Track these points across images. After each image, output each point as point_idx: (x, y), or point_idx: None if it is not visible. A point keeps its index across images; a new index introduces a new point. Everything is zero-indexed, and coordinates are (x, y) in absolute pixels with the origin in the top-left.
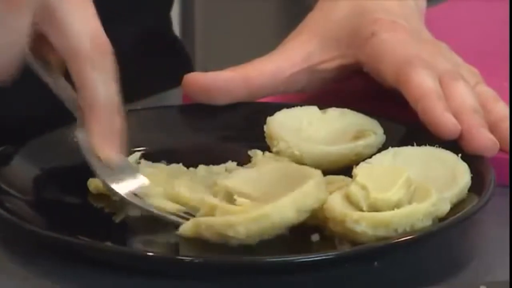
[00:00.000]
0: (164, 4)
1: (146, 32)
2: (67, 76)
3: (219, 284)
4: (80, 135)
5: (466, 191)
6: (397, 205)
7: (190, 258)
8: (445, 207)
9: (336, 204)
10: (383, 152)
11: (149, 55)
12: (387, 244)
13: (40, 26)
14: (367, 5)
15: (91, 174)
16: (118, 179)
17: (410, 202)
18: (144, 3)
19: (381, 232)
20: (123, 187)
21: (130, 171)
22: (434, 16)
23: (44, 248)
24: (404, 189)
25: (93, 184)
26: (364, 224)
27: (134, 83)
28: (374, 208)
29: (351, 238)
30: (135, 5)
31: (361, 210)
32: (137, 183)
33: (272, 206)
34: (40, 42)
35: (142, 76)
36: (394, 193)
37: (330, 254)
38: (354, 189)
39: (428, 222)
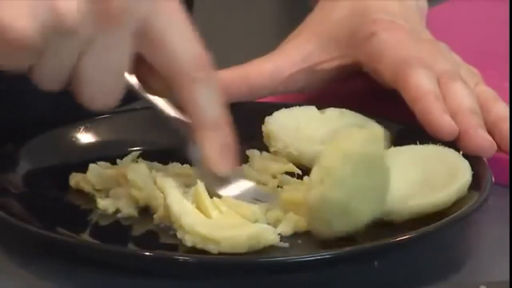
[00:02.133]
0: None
1: None
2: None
3: (219, 284)
4: (192, 153)
5: (466, 188)
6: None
7: (189, 258)
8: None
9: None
10: (384, 152)
11: None
12: (387, 244)
13: (138, 46)
14: (367, 5)
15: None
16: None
17: None
18: None
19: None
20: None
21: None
22: (434, 16)
23: (44, 248)
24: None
25: (74, 179)
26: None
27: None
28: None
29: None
30: None
31: None
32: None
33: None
34: (136, 64)
35: None
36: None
37: (329, 254)
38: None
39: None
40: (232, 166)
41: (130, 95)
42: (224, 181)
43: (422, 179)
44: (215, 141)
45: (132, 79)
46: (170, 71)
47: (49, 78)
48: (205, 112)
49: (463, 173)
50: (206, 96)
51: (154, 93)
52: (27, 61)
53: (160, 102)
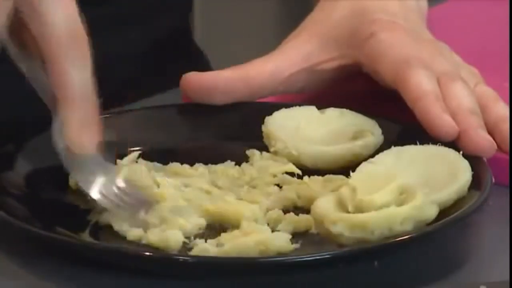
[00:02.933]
0: (182, 4)
1: (162, 33)
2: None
3: (219, 284)
4: (54, 126)
5: (466, 188)
6: (382, 209)
7: (189, 258)
8: (430, 212)
9: (321, 205)
10: (385, 152)
11: (162, 57)
12: (385, 244)
13: (20, 11)
14: (367, 5)
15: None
16: (90, 176)
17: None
18: (163, 2)
19: (358, 234)
20: (93, 186)
21: (102, 166)
22: (434, 16)
23: (44, 248)
24: (393, 194)
25: (73, 180)
26: (340, 225)
27: (137, 83)
28: (360, 210)
29: (332, 240)
30: (153, 5)
31: (348, 212)
32: (107, 180)
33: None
34: (20, 28)
35: (151, 77)
36: (380, 196)
37: (329, 254)
38: (344, 190)
39: (408, 227)
40: (92, 142)
41: (131, 95)
42: (87, 166)
43: (422, 179)
44: (77, 114)
45: (6, 40)
46: (41, 37)
47: None
48: (69, 85)
49: (463, 173)
50: (73, 68)
51: (32, 59)
52: None
53: (35, 70)
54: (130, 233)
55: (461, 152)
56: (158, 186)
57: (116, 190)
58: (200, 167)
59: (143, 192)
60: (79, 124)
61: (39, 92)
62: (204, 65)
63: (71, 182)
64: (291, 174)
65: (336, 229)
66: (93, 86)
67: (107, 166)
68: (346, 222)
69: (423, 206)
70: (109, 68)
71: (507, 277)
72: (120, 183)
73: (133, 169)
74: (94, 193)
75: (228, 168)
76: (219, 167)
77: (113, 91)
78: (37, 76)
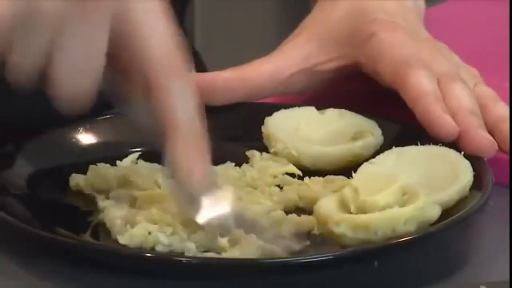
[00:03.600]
0: (179, 4)
1: None
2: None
3: (219, 284)
4: (165, 160)
5: (468, 188)
6: (385, 209)
7: (189, 259)
8: (433, 213)
9: (324, 205)
10: (386, 152)
11: None
12: (387, 244)
13: (113, 40)
14: (366, 6)
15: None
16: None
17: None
18: None
19: (361, 235)
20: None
21: (211, 197)
22: (434, 16)
23: (44, 248)
24: (395, 195)
25: (74, 181)
26: (343, 226)
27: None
28: (362, 211)
29: (335, 241)
30: None
31: (351, 212)
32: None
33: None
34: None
35: None
36: (383, 197)
37: (329, 255)
38: (346, 191)
39: (411, 227)
40: (204, 173)
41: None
42: (198, 198)
43: (423, 179)
44: (188, 146)
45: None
46: (142, 69)
47: (21, 69)
48: (177, 115)
49: (465, 173)
50: (178, 99)
51: (127, 94)
52: None
53: (133, 107)
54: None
55: (462, 153)
56: (160, 187)
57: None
58: None
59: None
60: (190, 157)
61: (143, 129)
62: (200, 69)
63: (72, 183)
64: (292, 175)
65: (339, 229)
66: (199, 113)
67: (216, 198)
68: (350, 223)
69: (426, 207)
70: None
71: (507, 277)
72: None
73: (134, 170)
74: (201, 218)
75: (228, 169)
76: (219, 168)
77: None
78: (138, 113)
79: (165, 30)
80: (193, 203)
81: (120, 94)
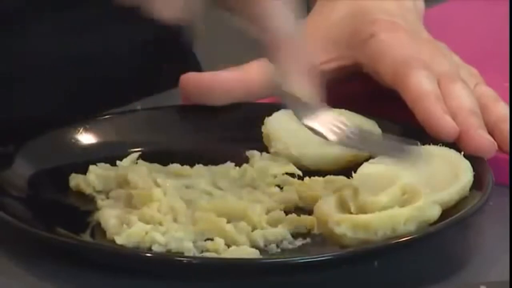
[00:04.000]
0: None
1: (161, 34)
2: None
3: (219, 284)
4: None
5: (468, 188)
6: (385, 209)
7: (189, 258)
8: (433, 213)
9: (324, 205)
10: None
11: (153, 57)
12: (387, 244)
13: None
14: (366, 6)
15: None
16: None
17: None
18: None
19: (361, 235)
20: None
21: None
22: (434, 16)
23: (44, 248)
24: (395, 195)
25: (74, 181)
26: (344, 226)
27: (135, 84)
28: (362, 211)
29: (335, 241)
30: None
31: (351, 212)
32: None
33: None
34: None
35: (145, 77)
36: (383, 197)
37: (329, 255)
38: (346, 191)
39: (411, 227)
40: (314, 87)
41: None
42: (310, 107)
43: (423, 179)
44: (294, 59)
45: None
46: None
47: None
48: (281, 28)
49: (465, 173)
50: (281, 12)
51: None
52: None
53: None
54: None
55: (462, 153)
56: (159, 187)
57: (345, 128)
58: (200, 168)
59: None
60: (298, 69)
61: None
62: (196, 67)
63: (72, 183)
64: (292, 175)
65: (339, 229)
66: (302, 35)
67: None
68: (350, 223)
69: (425, 207)
70: (108, 68)
71: (507, 277)
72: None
73: (133, 170)
74: (328, 134)
75: (228, 169)
76: (219, 168)
77: (112, 91)
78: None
79: None
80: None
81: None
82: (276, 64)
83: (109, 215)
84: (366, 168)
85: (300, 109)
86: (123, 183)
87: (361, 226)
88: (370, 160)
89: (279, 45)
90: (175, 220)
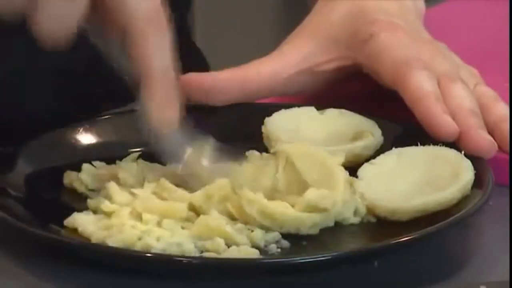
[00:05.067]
0: (181, 4)
1: None
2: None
3: (219, 284)
4: (139, 104)
5: (470, 186)
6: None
7: (189, 259)
8: (347, 215)
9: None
10: (387, 153)
11: None
12: (387, 244)
13: None
14: (366, 6)
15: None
16: (176, 150)
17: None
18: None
19: (267, 223)
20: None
21: (187, 140)
22: (434, 16)
23: (44, 248)
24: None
25: (67, 178)
26: (255, 207)
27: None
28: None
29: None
30: None
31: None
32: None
33: None
34: (93, 7)
35: None
36: (309, 195)
37: (329, 255)
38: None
39: (315, 231)
40: (173, 117)
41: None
42: (172, 142)
43: (425, 179)
44: (159, 92)
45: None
46: (123, 20)
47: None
48: (151, 62)
49: (466, 172)
50: (154, 47)
51: (105, 40)
52: None
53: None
54: (94, 235)
55: (462, 152)
56: (143, 187)
57: (204, 162)
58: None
59: (228, 165)
60: (162, 102)
61: (116, 69)
62: (202, 65)
63: (66, 181)
64: None
65: (249, 209)
66: (172, 62)
67: (191, 140)
68: (259, 207)
69: (333, 214)
70: (108, 68)
71: (507, 277)
72: (207, 155)
73: (124, 169)
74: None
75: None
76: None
77: (113, 91)
78: (115, 54)
79: None
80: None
81: (102, 38)
82: (144, 97)
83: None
84: (367, 169)
85: (158, 138)
86: (115, 181)
87: (268, 215)
88: (371, 161)
89: (149, 81)
90: (159, 224)
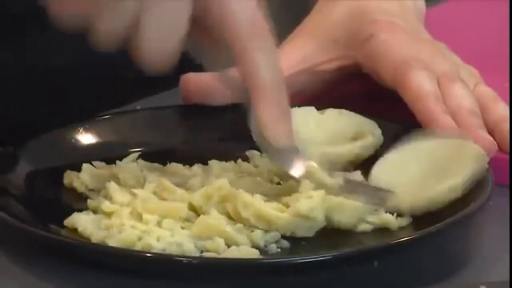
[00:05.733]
0: None
1: None
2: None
3: (219, 284)
4: (251, 121)
5: (476, 177)
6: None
7: (189, 258)
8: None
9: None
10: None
11: None
12: (387, 244)
13: (196, 8)
14: (366, 6)
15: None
16: (288, 161)
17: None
18: None
19: (262, 226)
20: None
21: (296, 152)
22: (434, 16)
23: (44, 249)
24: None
25: (67, 178)
26: (250, 211)
27: (135, 84)
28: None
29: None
30: None
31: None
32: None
33: None
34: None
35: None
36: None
37: (329, 255)
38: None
39: (310, 234)
40: (288, 133)
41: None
42: (286, 153)
43: (432, 170)
44: (272, 105)
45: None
46: (227, 35)
47: (107, 35)
48: (260, 76)
49: (471, 162)
50: (261, 60)
51: (208, 56)
52: (93, 10)
53: (216, 66)
54: (94, 235)
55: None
56: (143, 187)
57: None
58: (197, 168)
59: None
60: (274, 116)
61: (228, 89)
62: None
63: (65, 180)
64: None
65: (245, 213)
66: (282, 75)
67: (301, 156)
68: (254, 210)
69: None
70: (108, 68)
71: (507, 277)
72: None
73: (124, 169)
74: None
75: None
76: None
77: (113, 91)
78: (221, 70)
79: (245, 1)
80: (280, 157)
81: (205, 55)
82: (256, 112)
83: (84, 221)
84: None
85: (278, 156)
86: (115, 182)
87: (263, 218)
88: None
89: (260, 94)
90: (159, 224)
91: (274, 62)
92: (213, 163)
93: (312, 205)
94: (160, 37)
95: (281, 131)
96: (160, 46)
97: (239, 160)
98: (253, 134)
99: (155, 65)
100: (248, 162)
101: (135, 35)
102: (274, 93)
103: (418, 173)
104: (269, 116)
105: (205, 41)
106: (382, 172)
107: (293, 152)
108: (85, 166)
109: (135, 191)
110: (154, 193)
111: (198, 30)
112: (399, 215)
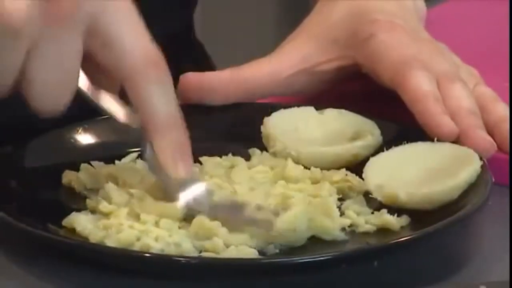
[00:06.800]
0: (186, 4)
1: (167, 35)
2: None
3: (219, 284)
4: (146, 153)
5: (475, 178)
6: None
7: (189, 259)
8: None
9: None
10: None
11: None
12: (387, 244)
13: (87, 44)
14: (365, 6)
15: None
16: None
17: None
18: (168, 3)
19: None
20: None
21: (195, 182)
22: (434, 16)
23: (44, 248)
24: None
25: (66, 178)
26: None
27: None
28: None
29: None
30: (159, 6)
31: None
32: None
33: None
34: (85, 62)
35: None
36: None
37: (329, 255)
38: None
39: (301, 243)
40: (187, 168)
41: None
42: (181, 183)
43: (432, 169)
44: (168, 141)
45: (83, 82)
46: (120, 69)
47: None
48: (156, 111)
49: (471, 162)
50: (157, 93)
51: (105, 91)
52: None
53: (111, 105)
54: (93, 235)
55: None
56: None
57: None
58: (196, 168)
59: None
60: (171, 151)
61: (122, 122)
62: (205, 64)
63: (64, 180)
64: None
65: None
66: (178, 108)
67: (201, 191)
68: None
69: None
70: None
71: (507, 277)
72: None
73: (123, 169)
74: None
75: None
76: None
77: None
78: (116, 108)
79: (138, 29)
80: (175, 192)
81: (100, 93)
82: (154, 145)
83: (84, 221)
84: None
85: (175, 187)
86: (113, 181)
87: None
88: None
89: (156, 128)
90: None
91: (169, 95)
92: (205, 159)
93: (290, 220)
94: (50, 78)
95: (180, 167)
96: (51, 88)
97: (230, 155)
98: (148, 166)
99: (47, 108)
100: (249, 160)
101: (25, 78)
102: (170, 128)
103: (414, 174)
104: (166, 152)
105: (101, 78)
106: (376, 172)
107: (191, 183)
108: (84, 166)
109: (132, 191)
110: (150, 191)
111: (93, 66)
112: (399, 215)
